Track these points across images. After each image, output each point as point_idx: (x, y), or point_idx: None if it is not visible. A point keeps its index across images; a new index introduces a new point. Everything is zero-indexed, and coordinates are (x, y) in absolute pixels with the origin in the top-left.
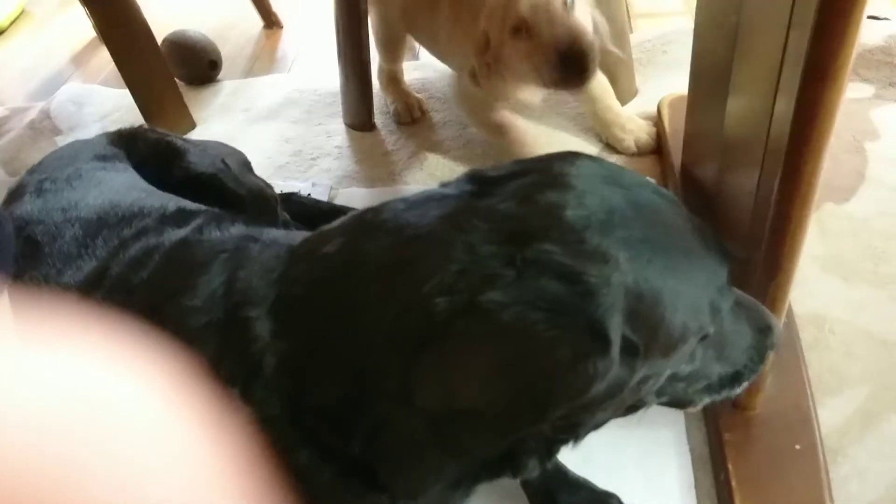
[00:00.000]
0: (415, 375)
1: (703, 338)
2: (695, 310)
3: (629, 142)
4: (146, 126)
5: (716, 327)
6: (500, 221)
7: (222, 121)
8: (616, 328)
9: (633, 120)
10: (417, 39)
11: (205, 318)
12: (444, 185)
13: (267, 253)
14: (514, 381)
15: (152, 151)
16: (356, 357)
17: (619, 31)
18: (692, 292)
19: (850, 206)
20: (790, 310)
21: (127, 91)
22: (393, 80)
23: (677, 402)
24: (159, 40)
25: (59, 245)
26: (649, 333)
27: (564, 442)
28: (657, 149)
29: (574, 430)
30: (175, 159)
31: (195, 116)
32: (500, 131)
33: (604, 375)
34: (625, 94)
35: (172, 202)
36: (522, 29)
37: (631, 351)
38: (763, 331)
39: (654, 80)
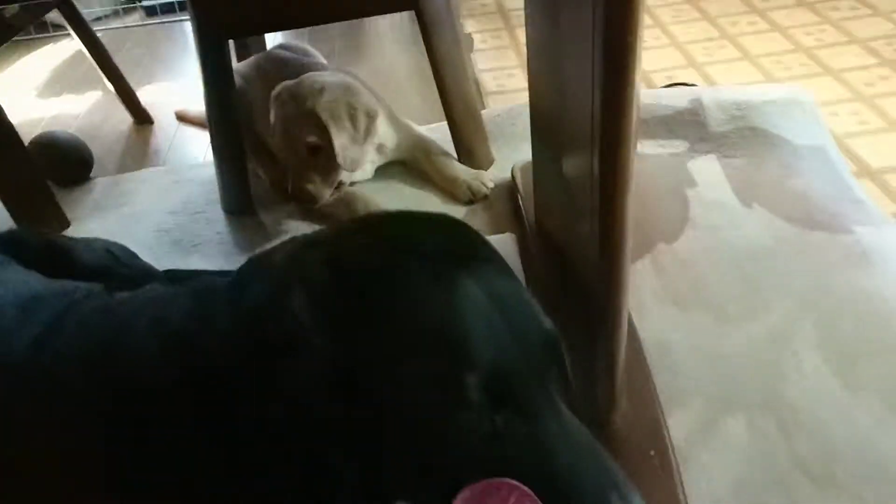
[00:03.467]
0: None
1: None
2: None
3: (463, 190)
4: (22, 229)
5: None
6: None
7: (98, 218)
8: None
9: (467, 171)
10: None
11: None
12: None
13: None
14: None
15: (40, 254)
16: None
17: (472, 110)
18: None
19: (679, 245)
20: (636, 335)
21: None
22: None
23: None
24: (26, 143)
25: None
26: None
27: None
28: (516, 208)
29: None
30: (63, 258)
31: (69, 215)
32: (343, 205)
33: None
34: (482, 162)
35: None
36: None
37: None
38: None
39: (506, 149)
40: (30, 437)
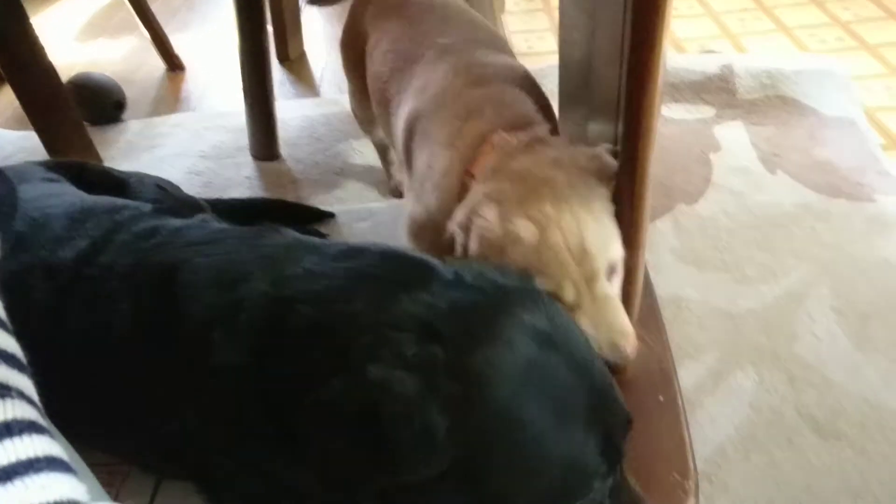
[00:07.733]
0: None
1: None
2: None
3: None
4: (81, 160)
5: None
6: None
7: (129, 158)
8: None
9: None
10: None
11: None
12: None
13: None
14: None
15: (99, 181)
16: None
17: None
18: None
19: (700, 207)
20: (653, 289)
21: (27, 133)
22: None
23: None
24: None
25: (46, 234)
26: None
27: None
28: None
29: None
30: (118, 188)
31: (102, 155)
32: None
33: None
34: None
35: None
36: None
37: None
38: None
39: None
40: (73, 335)
